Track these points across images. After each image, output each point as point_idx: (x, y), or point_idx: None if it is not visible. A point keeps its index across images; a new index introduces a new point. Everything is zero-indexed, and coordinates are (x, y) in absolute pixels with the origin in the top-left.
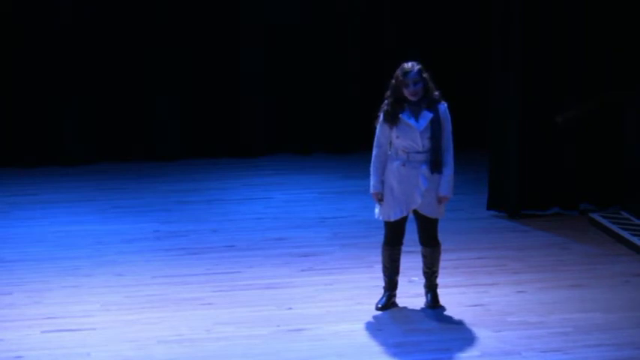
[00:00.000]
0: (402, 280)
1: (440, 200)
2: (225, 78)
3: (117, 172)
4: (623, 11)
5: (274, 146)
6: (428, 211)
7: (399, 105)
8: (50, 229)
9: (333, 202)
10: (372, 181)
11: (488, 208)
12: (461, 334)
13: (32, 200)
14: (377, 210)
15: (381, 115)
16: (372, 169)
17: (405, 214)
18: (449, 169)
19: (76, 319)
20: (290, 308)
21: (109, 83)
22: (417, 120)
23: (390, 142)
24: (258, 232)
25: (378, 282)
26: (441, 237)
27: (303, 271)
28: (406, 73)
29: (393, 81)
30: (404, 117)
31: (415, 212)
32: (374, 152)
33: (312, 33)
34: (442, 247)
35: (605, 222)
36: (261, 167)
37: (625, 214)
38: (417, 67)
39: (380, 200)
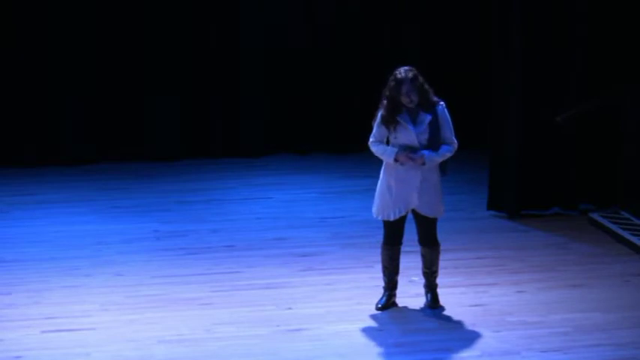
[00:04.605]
0: (402, 280)
1: (414, 158)
2: (225, 78)
3: (117, 172)
4: (623, 11)
5: (274, 146)
6: (426, 211)
7: (397, 108)
8: (50, 229)
9: (333, 202)
10: (386, 153)
11: (489, 208)
12: (461, 334)
13: (32, 200)
14: (374, 209)
15: (379, 116)
16: (376, 148)
17: (403, 214)
18: (449, 148)
19: (76, 319)
20: (290, 308)
21: (109, 83)
22: (414, 124)
23: (388, 141)
24: (257, 232)
25: (378, 282)
26: (440, 237)
27: (302, 270)
28: (399, 82)
29: (388, 87)
30: (402, 120)
31: (414, 212)
32: (373, 146)
33: (312, 33)
34: (442, 247)
35: (604, 222)
36: (261, 167)
37: (625, 214)
38: (410, 75)
39: (411, 153)
